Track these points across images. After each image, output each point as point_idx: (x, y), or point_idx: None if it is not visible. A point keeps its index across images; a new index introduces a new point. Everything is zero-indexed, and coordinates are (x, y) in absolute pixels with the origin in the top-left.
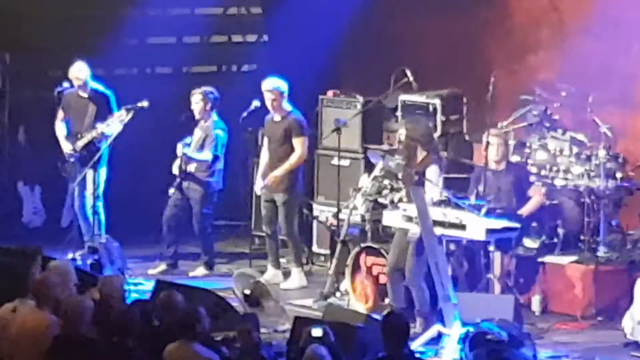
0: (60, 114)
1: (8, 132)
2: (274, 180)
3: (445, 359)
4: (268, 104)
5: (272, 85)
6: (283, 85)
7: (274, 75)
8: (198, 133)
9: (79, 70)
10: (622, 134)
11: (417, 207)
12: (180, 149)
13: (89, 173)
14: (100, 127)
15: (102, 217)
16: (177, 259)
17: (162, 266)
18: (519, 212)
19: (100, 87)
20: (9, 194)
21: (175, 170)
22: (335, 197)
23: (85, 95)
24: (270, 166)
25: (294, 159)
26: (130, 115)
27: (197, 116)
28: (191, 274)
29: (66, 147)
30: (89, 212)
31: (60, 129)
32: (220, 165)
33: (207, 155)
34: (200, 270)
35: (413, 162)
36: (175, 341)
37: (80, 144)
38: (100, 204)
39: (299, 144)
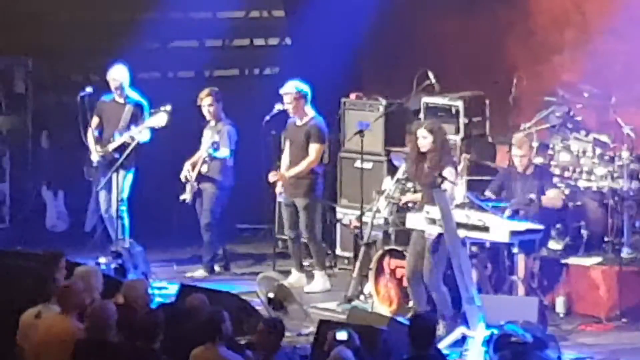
0: (95, 120)
1: (31, 137)
2: (280, 178)
3: None
4: (287, 107)
5: (289, 88)
6: (303, 87)
7: (296, 78)
8: (209, 134)
9: (117, 73)
10: None
11: (441, 209)
12: (205, 150)
13: (115, 177)
14: (132, 132)
15: (126, 221)
16: (228, 261)
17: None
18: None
19: (136, 96)
20: (32, 199)
21: (185, 176)
22: (358, 200)
23: (122, 101)
24: (289, 170)
25: (304, 163)
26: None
27: (212, 120)
28: (189, 274)
29: (96, 151)
30: (115, 215)
31: (92, 135)
32: (230, 162)
33: (225, 152)
34: (200, 272)
35: (439, 161)
36: (200, 345)
37: (111, 147)
38: (124, 208)
39: (314, 150)
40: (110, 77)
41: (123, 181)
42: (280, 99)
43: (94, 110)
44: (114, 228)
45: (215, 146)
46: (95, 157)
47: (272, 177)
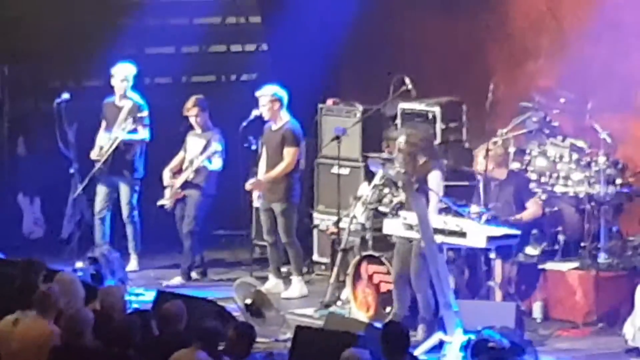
0: (103, 123)
1: (7, 143)
2: (257, 184)
3: None
4: (262, 110)
5: (266, 91)
6: (279, 92)
7: (272, 84)
8: (198, 141)
9: (120, 69)
10: (622, 140)
11: (418, 215)
12: (199, 161)
13: (123, 185)
14: (115, 133)
15: (131, 227)
16: (205, 267)
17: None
18: (518, 216)
19: (135, 96)
20: (8, 206)
21: (168, 181)
22: (335, 206)
23: (121, 104)
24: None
25: (279, 168)
26: (131, 123)
27: (199, 129)
28: (165, 283)
29: (93, 154)
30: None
31: (100, 138)
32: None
33: (218, 163)
34: (177, 279)
35: (413, 169)
36: (175, 351)
37: (104, 151)
38: (135, 213)
39: (288, 154)
40: (114, 71)
41: (128, 187)
42: (256, 105)
43: (100, 113)
44: (103, 230)
45: (215, 156)
46: (92, 158)
47: (248, 185)
